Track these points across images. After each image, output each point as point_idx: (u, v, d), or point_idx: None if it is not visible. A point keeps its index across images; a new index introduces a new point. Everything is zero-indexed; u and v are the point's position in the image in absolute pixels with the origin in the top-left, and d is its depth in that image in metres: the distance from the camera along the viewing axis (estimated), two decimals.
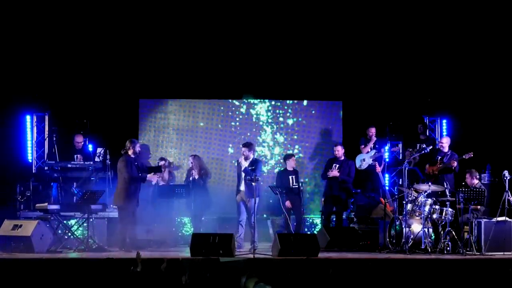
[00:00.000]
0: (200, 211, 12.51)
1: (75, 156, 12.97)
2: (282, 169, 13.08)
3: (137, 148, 11.71)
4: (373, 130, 13.51)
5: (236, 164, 12.52)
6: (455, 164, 12.38)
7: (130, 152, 11.56)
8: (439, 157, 12.62)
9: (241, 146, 12.32)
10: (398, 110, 14.11)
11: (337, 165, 12.78)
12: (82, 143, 13.23)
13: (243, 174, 12.06)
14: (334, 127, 14.43)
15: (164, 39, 13.97)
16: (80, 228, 11.90)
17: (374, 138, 13.50)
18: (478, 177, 11.99)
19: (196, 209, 12.39)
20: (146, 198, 12.21)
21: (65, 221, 11.62)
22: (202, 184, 12.64)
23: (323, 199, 13.08)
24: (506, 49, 13.79)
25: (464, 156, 12.27)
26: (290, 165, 12.76)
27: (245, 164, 12.07)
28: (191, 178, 12.51)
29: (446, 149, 12.67)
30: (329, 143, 14.20)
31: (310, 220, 13.72)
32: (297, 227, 12.44)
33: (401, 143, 14.16)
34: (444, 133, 14.09)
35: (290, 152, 13.70)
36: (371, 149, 13.44)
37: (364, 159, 13.42)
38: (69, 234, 11.46)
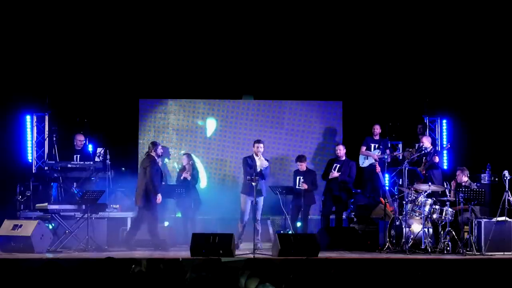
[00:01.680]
0: (193, 211, 12.52)
1: (75, 156, 12.97)
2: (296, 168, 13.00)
3: (159, 150, 11.80)
4: (378, 127, 13.50)
5: (245, 162, 11.96)
6: (437, 159, 12.58)
7: (153, 154, 11.61)
8: (423, 157, 12.66)
9: (254, 142, 12.08)
10: (398, 110, 14.10)
11: (338, 165, 12.76)
12: (84, 141, 13.23)
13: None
14: (334, 127, 14.41)
15: (164, 39, 13.95)
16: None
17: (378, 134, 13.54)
18: (468, 175, 11.97)
19: (189, 209, 12.42)
20: None
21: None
22: (193, 183, 12.66)
23: (322, 199, 13.07)
24: (506, 49, 13.78)
25: (442, 149, 12.52)
26: (300, 167, 12.70)
27: (258, 160, 11.83)
28: (182, 177, 12.54)
29: (428, 148, 12.74)
30: (329, 143, 14.19)
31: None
32: (303, 228, 12.45)
33: (401, 143, 14.16)
34: (444, 133, 14.09)
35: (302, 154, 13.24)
36: (375, 149, 13.44)
37: (367, 157, 13.44)
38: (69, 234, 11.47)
